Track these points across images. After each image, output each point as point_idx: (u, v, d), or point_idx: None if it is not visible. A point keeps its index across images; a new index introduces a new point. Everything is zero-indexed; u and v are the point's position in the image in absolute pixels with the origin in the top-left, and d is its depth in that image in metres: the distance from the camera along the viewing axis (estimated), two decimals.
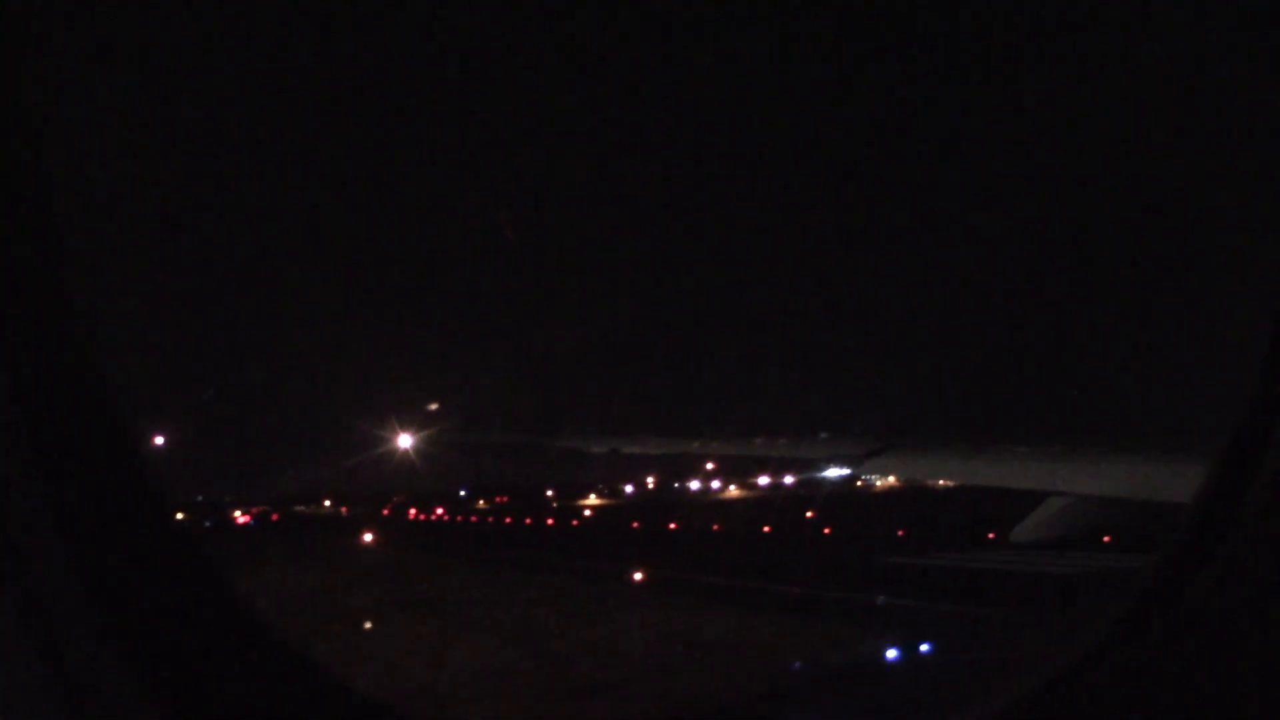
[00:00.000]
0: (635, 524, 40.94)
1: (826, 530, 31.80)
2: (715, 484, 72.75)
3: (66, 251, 2.48)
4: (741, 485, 71.04)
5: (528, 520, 47.02)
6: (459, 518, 54.27)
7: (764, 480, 64.41)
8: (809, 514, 40.17)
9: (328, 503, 72.30)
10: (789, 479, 60.86)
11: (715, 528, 35.75)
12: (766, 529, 33.66)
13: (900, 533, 28.36)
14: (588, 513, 54.07)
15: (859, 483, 61.65)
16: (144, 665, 2.36)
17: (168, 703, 2.37)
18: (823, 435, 15.27)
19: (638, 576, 21.05)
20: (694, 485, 73.27)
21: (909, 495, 54.40)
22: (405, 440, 21.64)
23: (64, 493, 2.33)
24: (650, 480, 73.47)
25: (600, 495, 70.85)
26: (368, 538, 37.93)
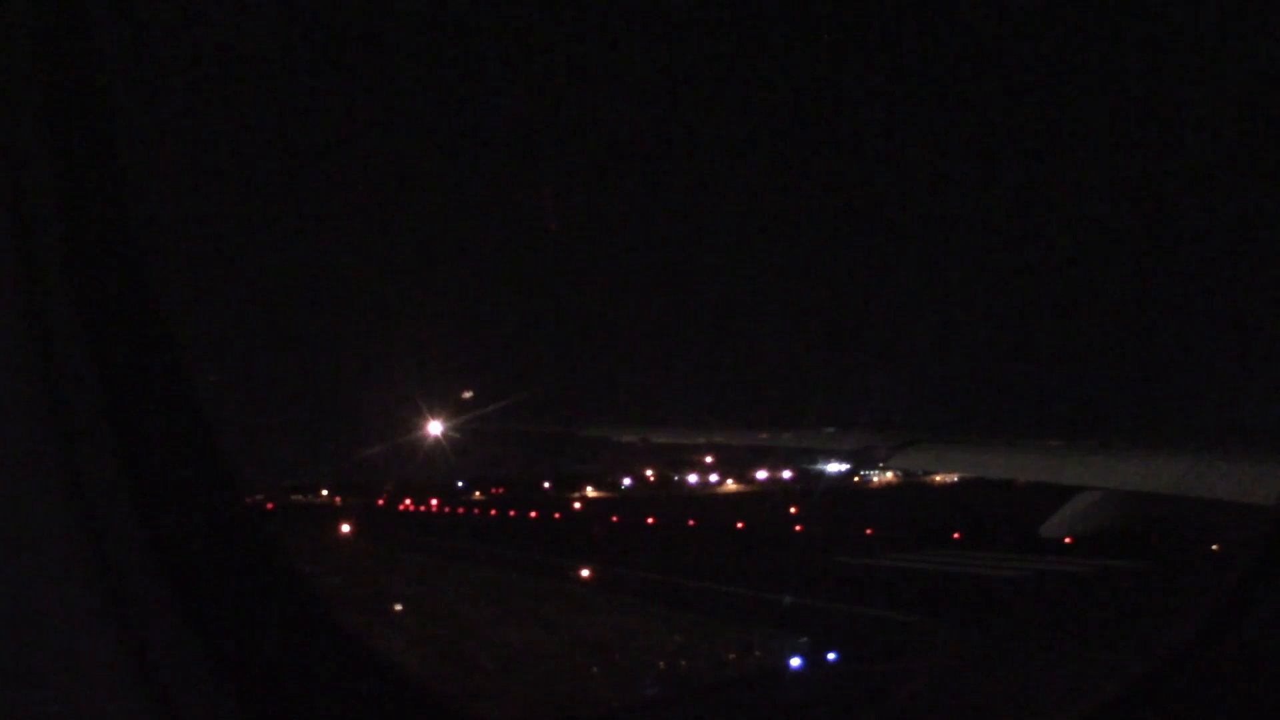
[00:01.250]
0: (615, 518, 40.65)
1: (798, 528, 31.35)
2: (716, 477, 72.38)
3: (151, 239, 2.54)
4: (752, 478, 70.53)
5: (511, 513, 46.83)
6: (446, 509, 54.12)
7: (785, 474, 64.00)
8: (792, 510, 39.75)
9: (325, 492, 72.15)
10: (788, 473, 60.80)
11: (690, 523, 35.39)
12: (740, 525, 33.22)
13: (868, 531, 27.86)
14: (577, 505, 53.85)
15: (856, 478, 61.68)
16: (220, 651, 2.35)
17: (240, 688, 2.37)
18: (847, 428, 15.25)
19: (585, 573, 20.83)
20: (702, 478, 72.76)
21: (906, 490, 54.14)
22: (436, 428, 21.69)
23: (149, 483, 2.36)
24: (670, 470, 72.68)
25: (598, 488, 70.50)
26: (344, 529, 37.66)
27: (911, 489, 54.83)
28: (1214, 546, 16.23)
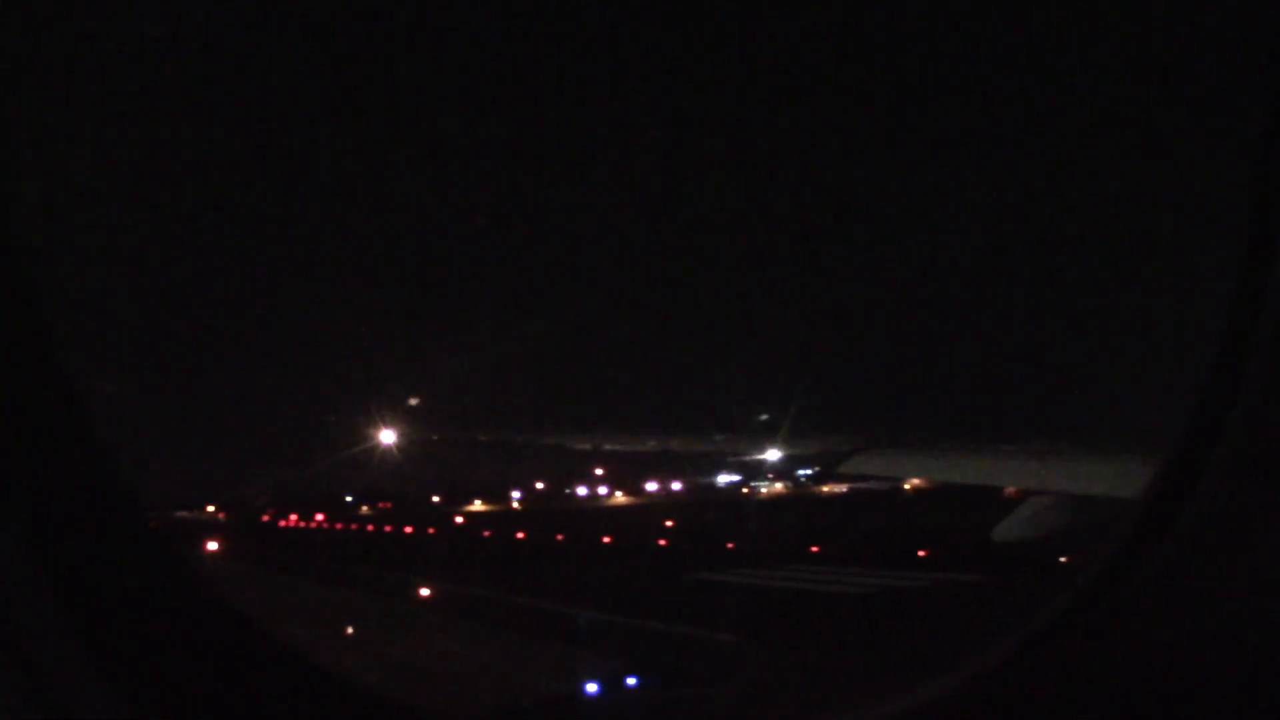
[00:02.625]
0: (487, 533, 40.05)
1: (662, 542, 30.96)
2: (616, 486, 71.42)
3: (23, 244, 2.47)
4: (660, 487, 69.71)
5: (387, 528, 46.01)
6: (329, 525, 53.08)
7: (726, 479, 63.46)
8: (669, 522, 39.45)
9: (211, 509, 70.32)
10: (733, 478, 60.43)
11: (559, 538, 34.83)
12: (607, 539, 32.79)
13: (729, 545, 27.53)
14: (458, 520, 52.97)
15: (781, 485, 61.33)
16: (111, 662, 2.30)
17: (136, 697, 2.32)
18: (801, 434, 15.51)
19: (425, 591, 20.33)
20: (629, 485, 71.59)
21: (837, 500, 53.92)
22: (387, 437, 21.14)
23: (33, 500, 2.31)
24: (621, 475, 71.24)
25: (487, 501, 69.54)
26: (210, 545, 36.46)
27: (854, 497, 54.69)
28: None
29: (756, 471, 60.68)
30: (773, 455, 19.56)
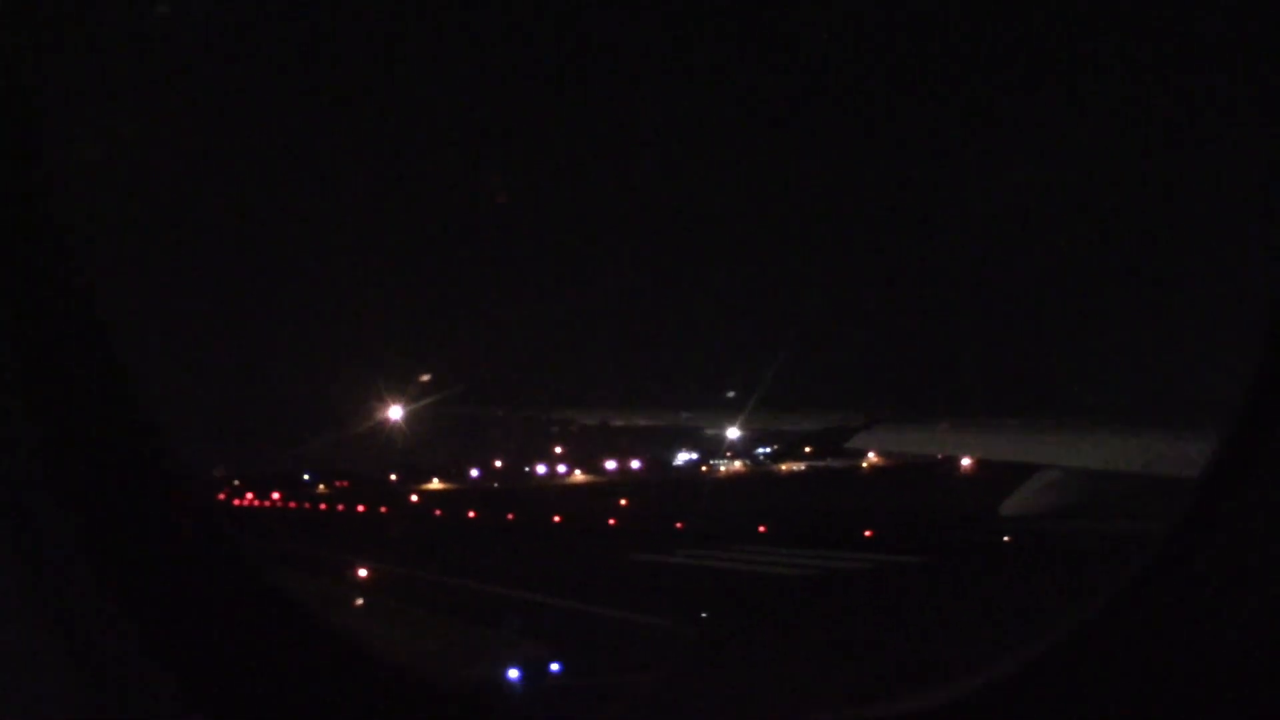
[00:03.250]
0: (438, 511, 39.70)
1: (612, 521, 30.70)
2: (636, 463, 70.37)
3: (71, 226, 2.50)
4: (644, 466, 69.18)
5: (339, 507, 45.58)
6: (279, 503, 52.58)
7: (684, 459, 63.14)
8: (622, 502, 39.22)
9: None
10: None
11: (509, 517, 34.52)
12: (557, 518, 32.50)
13: (678, 525, 27.29)
14: (414, 498, 52.53)
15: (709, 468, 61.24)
16: (164, 648, 2.31)
17: (190, 687, 2.33)
18: (811, 410, 15.63)
19: (362, 572, 20.04)
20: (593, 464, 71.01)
21: (767, 480, 53.79)
22: (396, 412, 21.64)
23: (78, 475, 2.34)
24: (628, 450, 70.59)
25: (445, 479, 69.05)
26: None
27: (811, 476, 54.44)
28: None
29: (718, 449, 60.91)
30: (734, 433, 19.60)
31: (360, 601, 16.16)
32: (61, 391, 2.44)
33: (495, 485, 64.01)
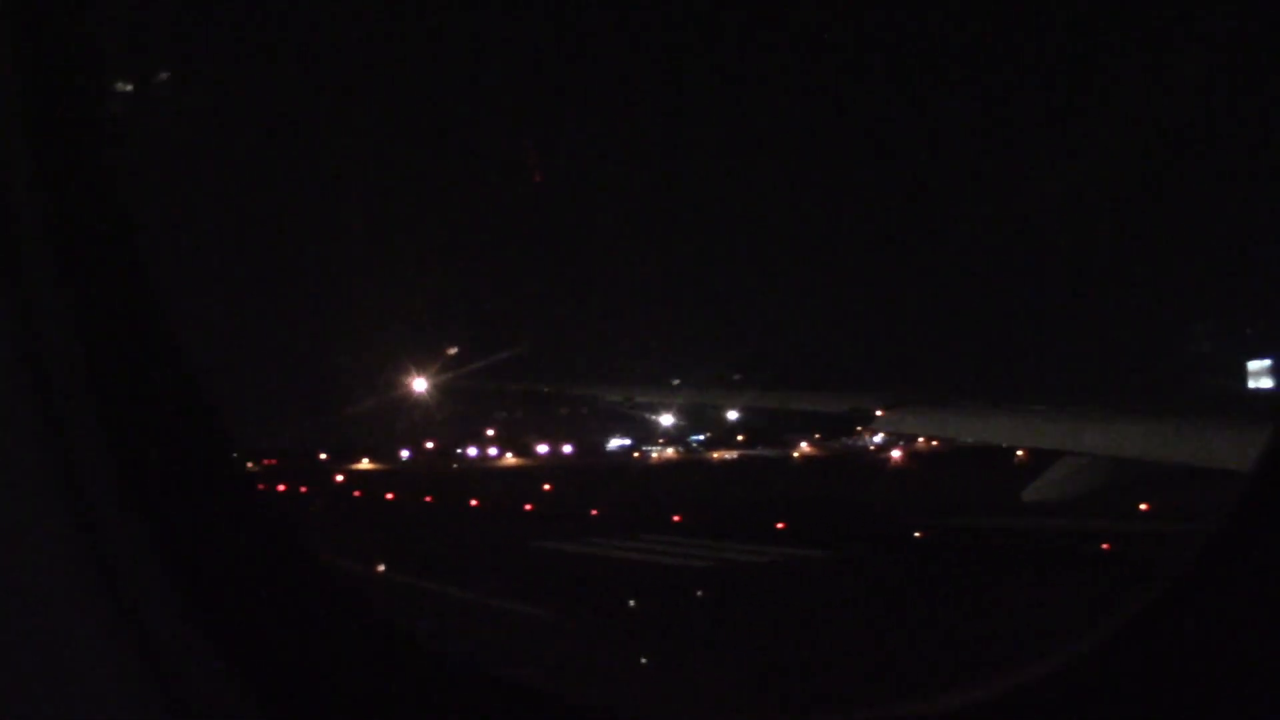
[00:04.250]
0: (357, 493, 39.16)
1: (528, 506, 30.31)
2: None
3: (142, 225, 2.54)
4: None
5: (260, 486, 44.60)
6: None
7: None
8: (545, 486, 38.81)
9: None
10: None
11: (426, 499, 34.05)
12: (474, 502, 32.09)
13: (594, 512, 26.96)
14: (339, 478, 51.74)
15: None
16: (227, 641, 2.29)
17: (249, 678, 2.30)
18: (834, 390, 15.68)
19: None
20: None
21: (696, 467, 53.56)
22: (420, 385, 22.89)
23: (145, 470, 2.34)
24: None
25: (374, 459, 68.17)
26: None
27: (743, 463, 54.19)
28: None
29: (653, 434, 60.63)
30: (733, 413, 19.81)
31: None
32: (129, 387, 2.43)
33: (421, 467, 63.26)
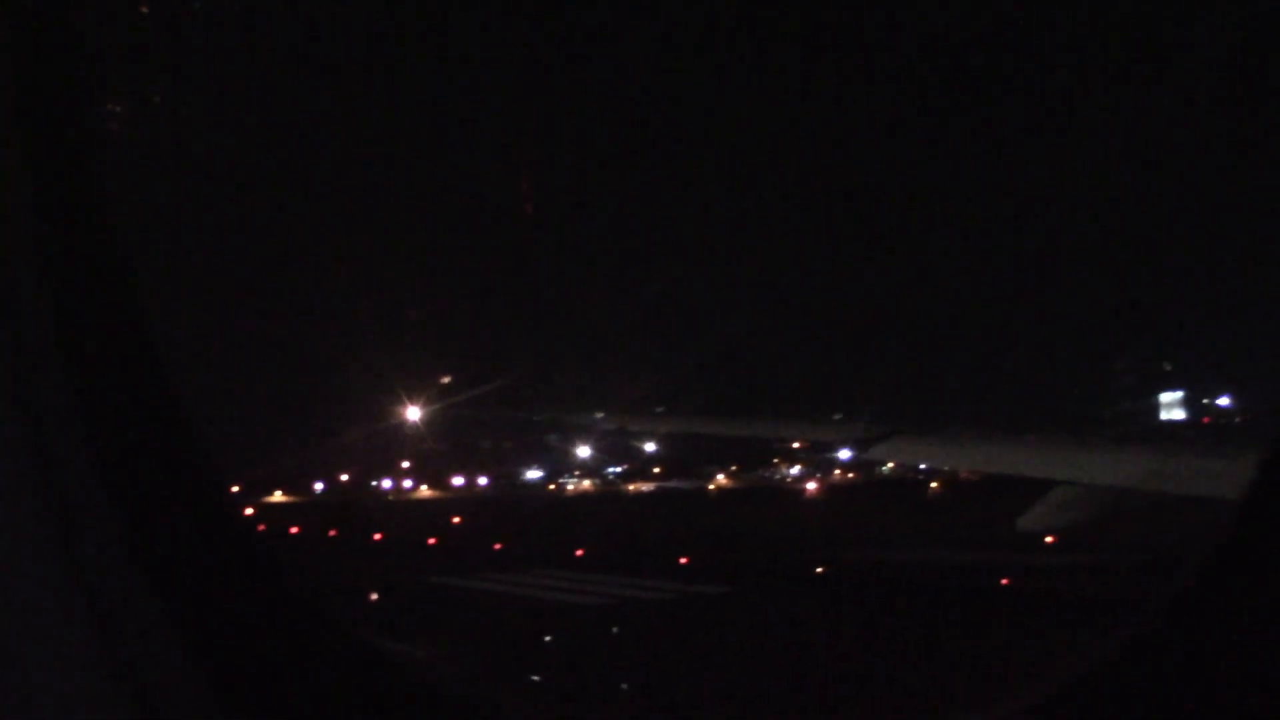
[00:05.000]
0: (262, 526, 38.07)
1: (431, 540, 29.72)
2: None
3: (126, 238, 2.58)
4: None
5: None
6: None
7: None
8: (455, 519, 38.20)
9: None
10: None
11: (331, 533, 33.31)
12: (378, 536, 31.44)
13: (497, 546, 26.46)
14: (249, 510, 50.44)
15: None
16: (199, 645, 2.34)
17: (221, 683, 2.35)
18: (829, 420, 16.17)
19: None
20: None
21: (611, 499, 53.08)
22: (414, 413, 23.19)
23: (126, 480, 2.36)
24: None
25: (288, 491, 66.83)
26: None
27: (659, 496, 53.71)
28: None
29: (570, 466, 60.09)
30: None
31: None
32: (109, 394, 2.44)
33: (334, 499, 62.19)
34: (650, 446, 59.14)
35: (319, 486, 69.53)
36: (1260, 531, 2.73)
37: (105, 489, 2.33)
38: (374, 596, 17.76)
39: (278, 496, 64.98)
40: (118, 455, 2.39)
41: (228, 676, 2.40)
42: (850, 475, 57.85)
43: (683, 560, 21.89)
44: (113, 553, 2.31)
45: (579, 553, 24.02)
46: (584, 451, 59.36)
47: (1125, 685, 2.80)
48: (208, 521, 2.70)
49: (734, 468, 58.43)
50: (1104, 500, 11.58)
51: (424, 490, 68.52)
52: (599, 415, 20.47)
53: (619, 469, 62.46)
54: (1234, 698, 2.55)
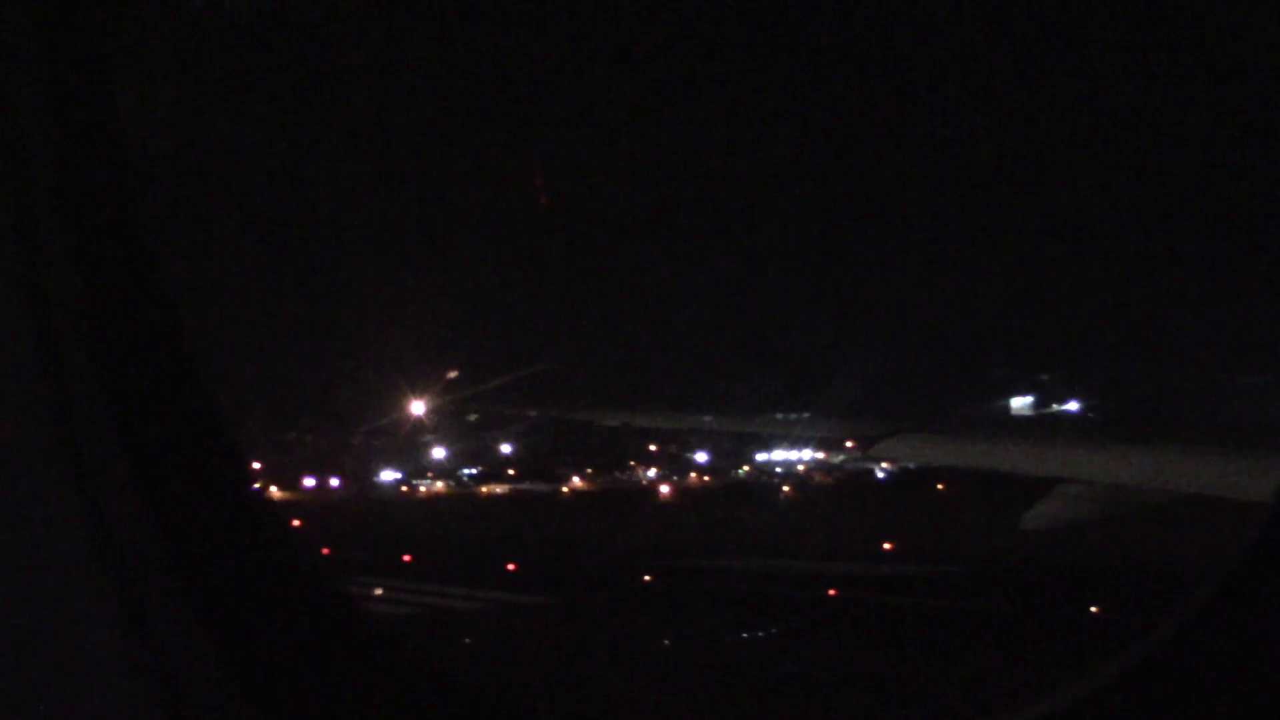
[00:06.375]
0: None
1: (325, 551, 28.55)
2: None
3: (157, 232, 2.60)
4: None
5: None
6: None
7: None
8: (295, 523, 36.91)
9: None
10: None
11: None
12: None
13: (325, 551, 25.45)
14: None
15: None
16: (232, 645, 2.30)
17: (253, 683, 2.32)
18: (831, 416, 15.93)
19: None
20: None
21: (464, 501, 52.20)
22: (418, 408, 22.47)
23: (158, 476, 2.34)
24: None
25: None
26: None
27: (513, 499, 52.93)
28: None
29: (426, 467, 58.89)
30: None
31: None
32: (141, 391, 2.39)
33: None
34: (506, 448, 58.57)
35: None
36: None
37: (137, 487, 2.29)
38: None
39: None
40: (150, 453, 2.34)
41: (260, 677, 2.34)
42: (707, 479, 58.08)
43: (510, 567, 21.29)
44: (145, 552, 2.27)
45: (406, 558, 23.24)
46: (440, 453, 58.44)
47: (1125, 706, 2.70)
48: (241, 521, 2.64)
49: (589, 470, 58.06)
50: (1111, 498, 11.47)
51: (273, 491, 66.66)
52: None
53: (474, 471, 61.61)
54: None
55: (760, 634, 13.68)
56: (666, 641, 13.53)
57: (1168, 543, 15.21)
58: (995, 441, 13.00)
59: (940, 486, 42.39)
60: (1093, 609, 14.73)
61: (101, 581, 2.22)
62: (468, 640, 14.17)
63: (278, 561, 2.74)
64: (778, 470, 58.49)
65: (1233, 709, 2.50)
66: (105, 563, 2.22)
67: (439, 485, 60.19)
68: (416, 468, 59.30)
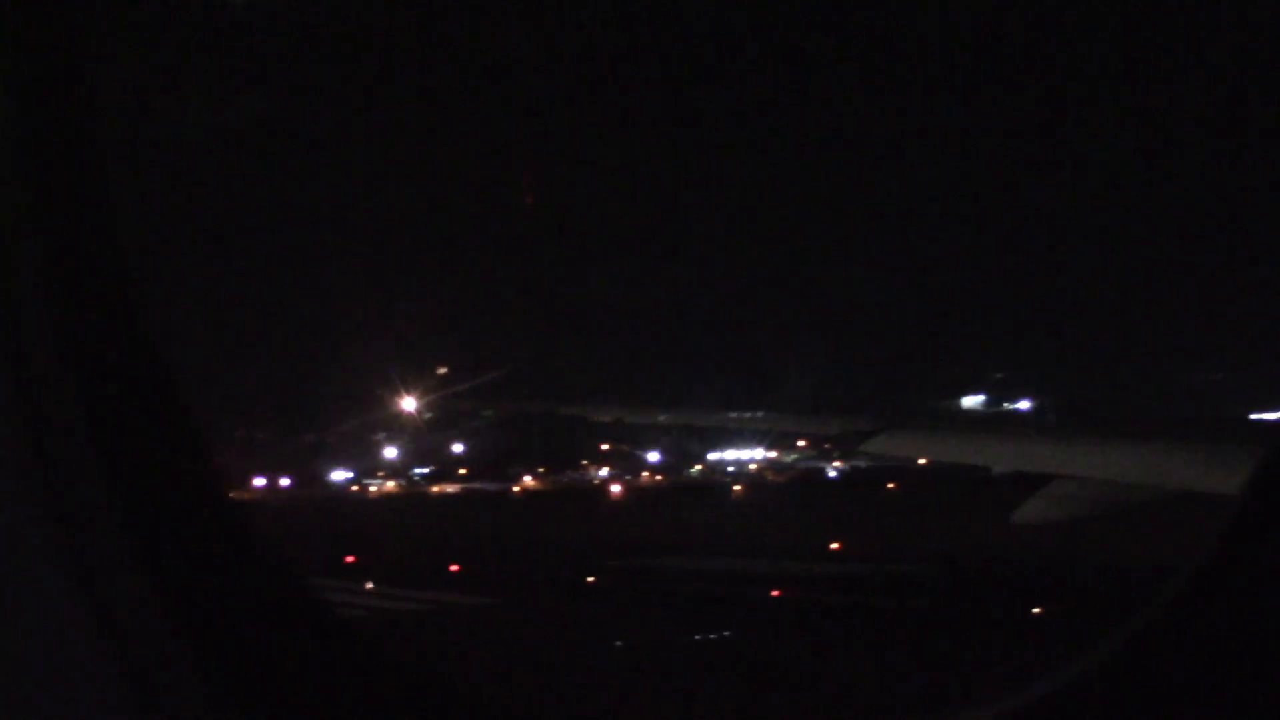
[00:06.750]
0: None
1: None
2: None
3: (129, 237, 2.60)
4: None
5: None
6: None
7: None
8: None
9: None
10: None
11: None
12: None
13: (349, 560, 24.94)
14: None
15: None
16: (205, 646, 2.32)
17: (227, 683, 2.33)
18: (821, 412, 16.03)
19: None
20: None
21: (415, 501, 51.58)
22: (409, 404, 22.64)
23: (128, 477, 2.36)
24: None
25: None
26: None
27: (463, 498, 52.33)
28: None
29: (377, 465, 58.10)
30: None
31: None
32: (112, 396, 2.40)
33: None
34: (458, 447, 57.91)
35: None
36: (1260, 532, 2.59)
37: (110, 492, 2.28)
38: None
39: None
40: (122, 457, 2.34)
41: (235, 679, 2.33)
42: (659, 478, 57.75)
43: (453, 568, 20.84)
44: (118, 557, 2.26)
45: (350, 559, 22.68)
46: (390, 452, 57.69)
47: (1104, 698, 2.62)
48: (214, 524, 2.62)
49: (541, 470, 57.55)
50: (1103, 494, 11.62)
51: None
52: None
53: (425, 470, 60.90)
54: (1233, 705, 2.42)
55: (712, 635, 13.36)
56: (619, 643, 13.13)
57: (1156, 539, 15.06)
58: (990, 438, 13.13)
59: (891, 485, 42.36)
60: (1037, 609, 14.51)
61: (72, 583, 2.21)
62: (409, 643, 13.71)
63: (249, 562, 2.73)
64: (730, 469, 58.31)
65: (1203, 702, 2.46)
66: (76, 565, 2.22)
67: (390, 484, 59.36)
68: (368, 466, 58.40)
